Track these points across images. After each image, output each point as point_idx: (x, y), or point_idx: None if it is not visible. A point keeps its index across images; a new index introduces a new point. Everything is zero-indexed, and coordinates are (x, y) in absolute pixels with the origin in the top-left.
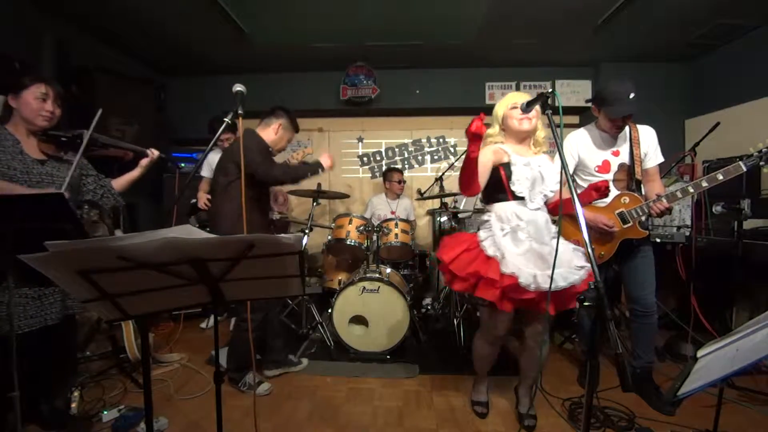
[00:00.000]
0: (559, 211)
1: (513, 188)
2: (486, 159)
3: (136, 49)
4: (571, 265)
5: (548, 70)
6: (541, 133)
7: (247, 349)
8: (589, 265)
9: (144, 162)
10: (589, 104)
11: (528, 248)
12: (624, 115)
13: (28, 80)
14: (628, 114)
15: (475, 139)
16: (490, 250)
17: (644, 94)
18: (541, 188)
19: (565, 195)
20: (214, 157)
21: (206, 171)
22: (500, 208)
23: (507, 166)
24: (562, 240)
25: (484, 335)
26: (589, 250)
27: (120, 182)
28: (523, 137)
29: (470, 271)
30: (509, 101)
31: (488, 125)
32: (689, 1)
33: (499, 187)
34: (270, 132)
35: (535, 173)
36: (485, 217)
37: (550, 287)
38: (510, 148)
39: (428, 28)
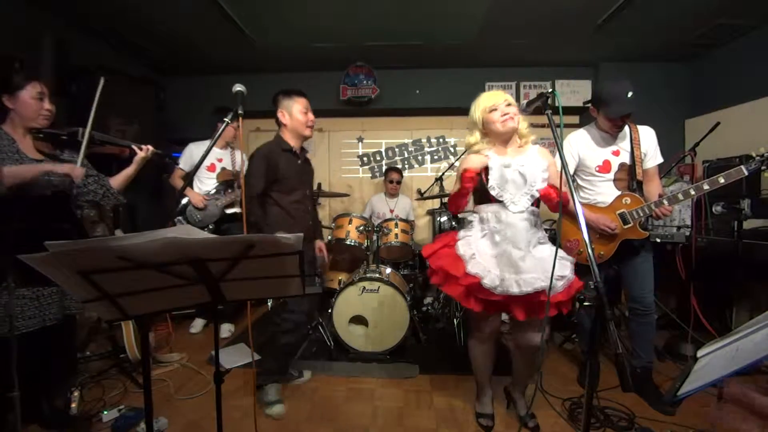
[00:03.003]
0: (559, 211)
1: (492, 192)
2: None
3: (136, 48)
4: (545, 273)
5: (548, 70)
6: (524, 124)
7: (281, 353)
8: (570, 276)
9: (137, 158)
10: (588, 105)
11: (501, 251)
12: (623, 114)
13: (23, 80)
14: (628, 113)
15: (468, 188)
16: (461, 249)
17: (644, 94)
18: (525, 189)
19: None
20: (198, 151)
21: (186, 164)
22: (483, 210)
23: (487, 169)
24: (550, 246)
25: (473, 334)
26: (589, 250)
27: (117, 180)
28: (509, 137)
29: (438, 264)
30: (486, 104)
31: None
32: (689, 1)
33: (483, 191)
34: (284, 129)
35: (515, 175)
36: (470, 217)
37: (549, 290)
38: (492, 151)
39: (428, 28)
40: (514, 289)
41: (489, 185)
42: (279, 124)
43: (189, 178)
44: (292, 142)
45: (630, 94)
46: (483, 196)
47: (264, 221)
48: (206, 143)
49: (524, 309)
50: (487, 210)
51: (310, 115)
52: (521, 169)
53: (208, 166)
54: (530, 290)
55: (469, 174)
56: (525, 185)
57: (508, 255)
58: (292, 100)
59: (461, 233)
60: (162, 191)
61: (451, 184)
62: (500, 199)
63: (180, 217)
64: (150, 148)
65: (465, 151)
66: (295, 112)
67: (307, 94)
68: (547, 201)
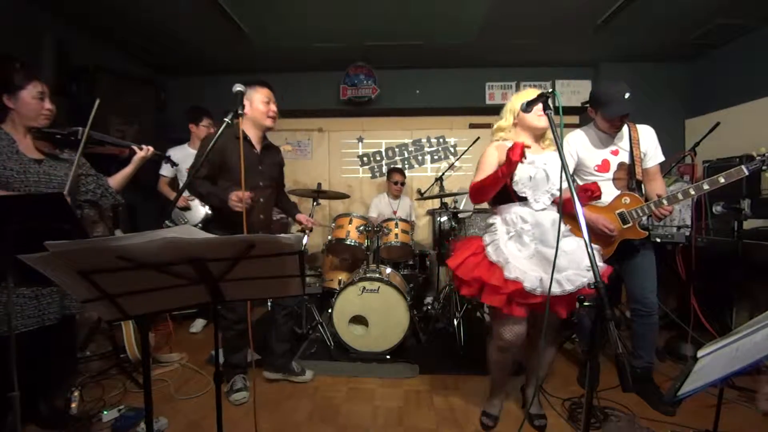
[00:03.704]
0: (559, 211)
1: (515, 189)
2: (491, 159)
3: (137, 49)
4: (580, 267)
5: (548, 70)
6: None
7: (228, 349)
8: (602, 264)
9: (135, 158)
10: (586, 106)
11: (533, 251)
12: (621, 115)
13: (23, 79)
14: (625, 113)
15: (513, 165)
16: (494, 256)
17: (644, 94)
18: (547, 187)
19: (566, 194)
20: (177, 155)
21: (166, 170)
22: (505, 210)
23: None
24: (573, 238)
25: (494, 341)
26: (589, 250)
27: (116, 180)
28: (538, 134)
29: (474, 276)
30: (530, 96)
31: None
32: (689, 1)
33: (502, 189)
34: (243, 118)
35: (539, 172)
36: (491, 220)
37: (549, 288)
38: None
39: (428, 28)
40: (555, 289)
41: (514, 180)
42: (236, 116)
43: (183, 187)
44: (250, 132)
45: (627, 95)
46: (502, 195)
47: (217, 191)
48: (184, 147)
49: (567, 306)
50: (510, 210)
51: (272, 106)
52: (545, 167)
53: (188, 168)
54: (572, 288)
55: (521, 145)
56: (547, 183)
57: (541, 254)
58: (254, 89)
59: (487, 238)
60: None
61: (451, 184)
62: (523, 195)
63: (166, 221)
64: (150, 149)
65: (468, 148)
66: (256, 101)
67: (307, 94)
68: (585, 194)
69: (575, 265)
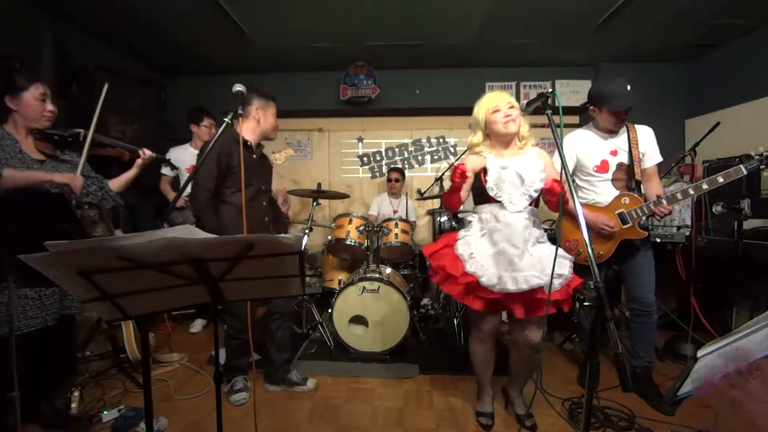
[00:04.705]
0: (559, 211)
1: (490, 193)
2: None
3: (136, 49)
4: (543, 271)
5: (548, 70)
6: (525, 127)
7: (231, 353)
8: (568, 275)
9: (138, 162)
10: (586, 107)
11: (499, 250)
12: (629, 106)
13: (26, 81)
14: (632, 104)
15: (457, 184)
16: (459, 249)
17: (644, 94)
18: (523, 190)
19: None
20: (178, 155)
21: (168, 169)
22: (482, 210)
23: (485, 171)
24: (547, 245)
25: (474, 333)
26: (589, 250)
27: (117, 182)
28: (510, 139)
29: (440, 264)
30: (489, 104)
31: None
32: (689, 1)
33: (482, 192)
34: (246, 124)
35: (512, 175)
36: (470, 218)
37: (550, 289)
38: (491, 153)
39: (428, 28)
40: (511, 287)
41: (487, 186)
42: (236, 116)
43: (187, 181)
44: (250, 136)
45: (628, 86)
46: (482, 196)
47: (221, 228)
48: (186, 147)
49: (523, 306)
50: (486, 210)
51: (277, 121)
52: (518, 170)
53: (188, 168)
54: (526, 287)
55: (461, 169)
56: (522, 186)
57: (505, 253)
58: (268, 102)
59: (461, 233)
60: (162, 192)
61: None
62: (498, 199)
63: (165, 224)
64: (149, 152)
65: (465, 151)
66: (270, 115)
67: (307, 94)
68: (550, 196)
69: (538, 269)
